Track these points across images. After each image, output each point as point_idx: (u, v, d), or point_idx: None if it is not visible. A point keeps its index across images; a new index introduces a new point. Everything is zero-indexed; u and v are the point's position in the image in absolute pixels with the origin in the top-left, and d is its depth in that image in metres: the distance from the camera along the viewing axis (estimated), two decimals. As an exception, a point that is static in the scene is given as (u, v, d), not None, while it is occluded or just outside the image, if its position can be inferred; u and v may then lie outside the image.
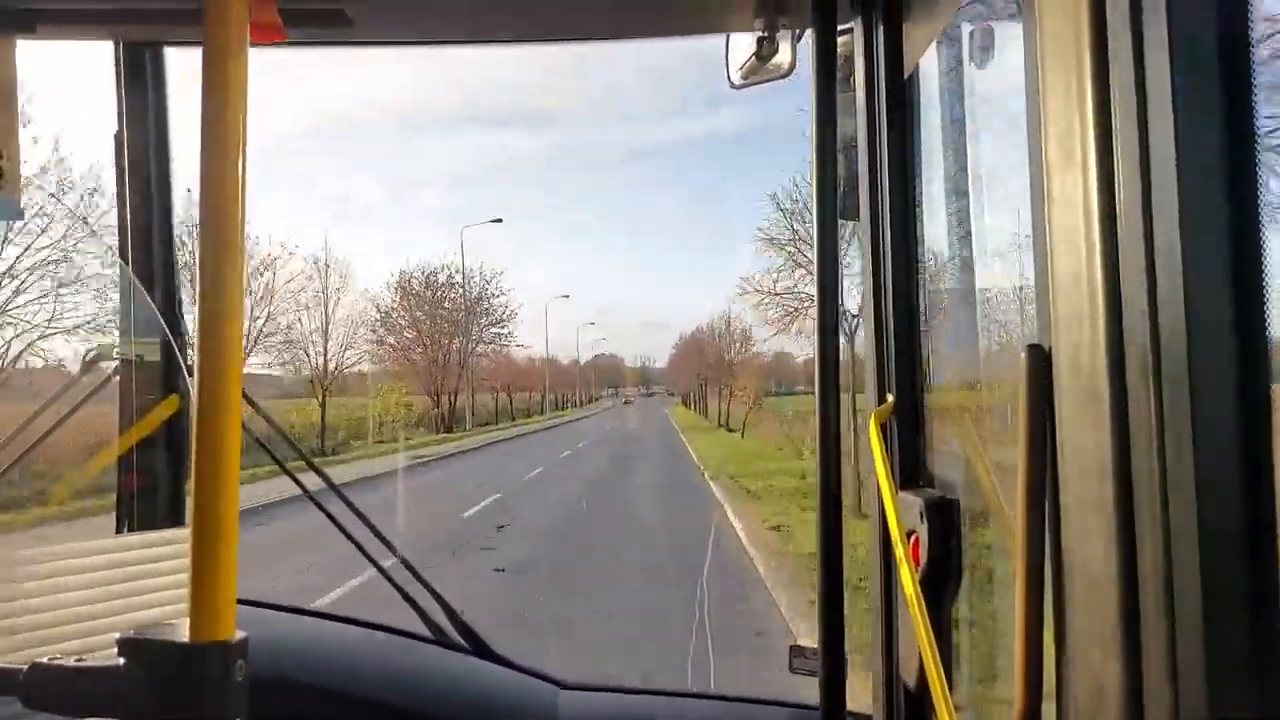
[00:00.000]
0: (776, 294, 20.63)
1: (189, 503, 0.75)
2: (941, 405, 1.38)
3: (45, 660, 0.76)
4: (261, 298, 27.34)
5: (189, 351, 1.84)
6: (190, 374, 1.73)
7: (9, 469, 1.71)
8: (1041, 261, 0.84)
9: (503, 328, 43.44)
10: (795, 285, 20.03)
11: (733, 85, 1.64)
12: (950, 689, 1.04)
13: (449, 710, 1.75)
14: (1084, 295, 0.76)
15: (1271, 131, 0.68)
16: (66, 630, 1.41)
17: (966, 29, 1.26)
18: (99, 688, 0.75)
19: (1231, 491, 0.65)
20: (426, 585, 1.87)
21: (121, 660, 0.74)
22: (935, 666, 1.03)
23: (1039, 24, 0.84)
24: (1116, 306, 0.73)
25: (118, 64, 1.88)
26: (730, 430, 38.25)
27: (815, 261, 1.44)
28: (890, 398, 1.37)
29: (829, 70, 1.42)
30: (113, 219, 1.94)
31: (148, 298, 1.87)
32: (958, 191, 1.37)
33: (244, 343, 0.79)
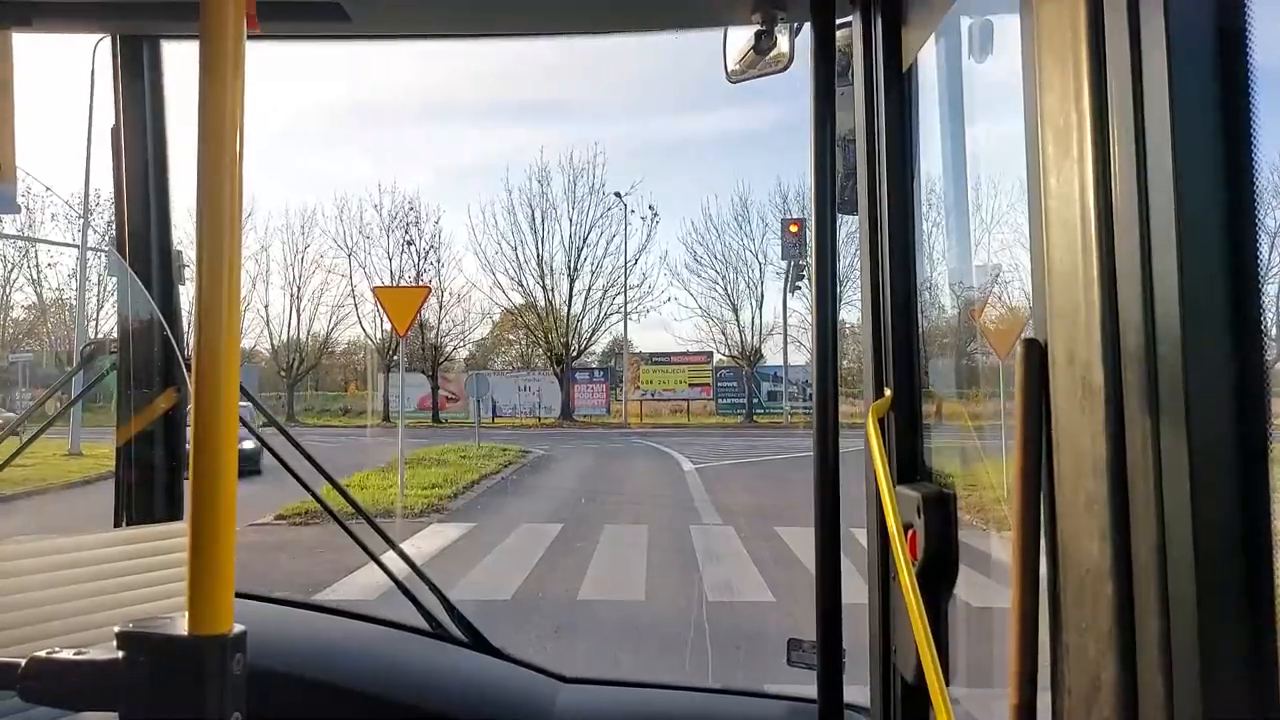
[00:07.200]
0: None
1: (187, 496, 0.75)
2: (939, 400, 1.38)
3: (43, 654, 0.76)
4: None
5: (186, 344, 1.84)
6: (188, 367, 1.73)
7: (10, 459, 1.71)
8: (1038, 256, 0.84)
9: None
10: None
11: (730, 79, 1.64)
12: (947, 682, 1.04)
13: (448, 704, 1.75)
14: (1080, 289, 0.76)
15: (1267, 125, 0.68)
16: (65, 624, 1.41)
17: (965, 23, 1.26)
18: (97, 681, 0.75)
19: (1225, 485, 0.65)
20: (425, 579, 1.87)
21: (120, 654, 0.74)
22: (932, 660, 1.03)
23: (1037, 18, 0.84)
24: (1112, 301, 0.73)
25: (115, 57, 1.87)
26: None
27: (813, 256, 1.44)
28: (888, 392, 1.37)
29: (828, 64, 1.42)
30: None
31: (145, 291, 1.87)
32: (955, 186, 1.37)
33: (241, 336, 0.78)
